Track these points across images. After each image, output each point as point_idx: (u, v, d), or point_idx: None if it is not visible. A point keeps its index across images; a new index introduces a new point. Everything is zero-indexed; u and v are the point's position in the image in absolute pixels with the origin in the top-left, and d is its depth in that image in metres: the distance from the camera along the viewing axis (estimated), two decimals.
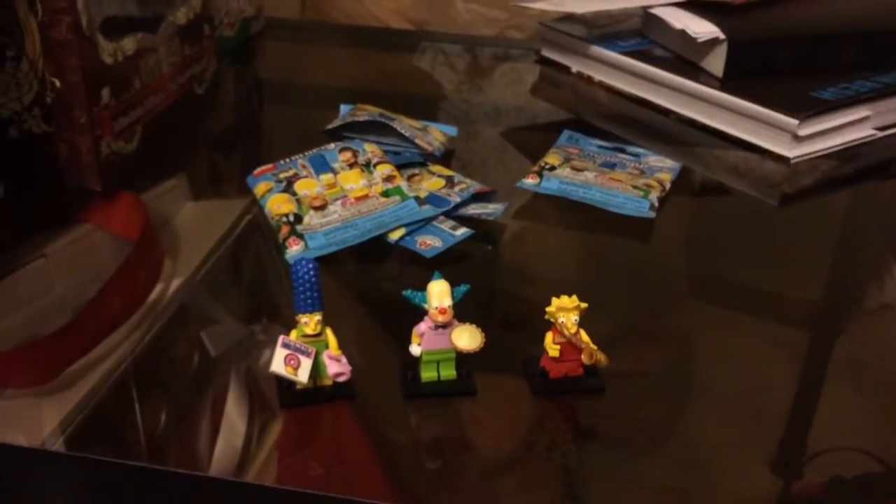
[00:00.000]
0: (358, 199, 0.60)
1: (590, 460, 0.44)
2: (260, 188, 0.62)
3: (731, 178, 0.70)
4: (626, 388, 0.47)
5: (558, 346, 0.45)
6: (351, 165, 0.63)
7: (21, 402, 0.45)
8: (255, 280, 0.58)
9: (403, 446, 0.44)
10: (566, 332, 0.44)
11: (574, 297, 0.45)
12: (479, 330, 0.45)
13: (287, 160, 0.64)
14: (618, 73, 0.82)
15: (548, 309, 0.45)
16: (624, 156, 0.69)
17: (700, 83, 0.75)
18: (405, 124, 0.68)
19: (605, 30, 0.87)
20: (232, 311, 0.54)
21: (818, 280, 0.59)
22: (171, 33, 0.68)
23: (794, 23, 0.79)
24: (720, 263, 0.60)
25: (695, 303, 0.57)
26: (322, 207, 0.59)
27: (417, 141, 0.67)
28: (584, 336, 0.45)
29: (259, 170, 0.64)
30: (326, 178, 0.62)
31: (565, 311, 0.44)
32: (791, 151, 0.70)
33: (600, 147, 0.70)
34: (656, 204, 0.62)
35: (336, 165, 0.63)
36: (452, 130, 0.71)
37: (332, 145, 0.65)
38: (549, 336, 0.45)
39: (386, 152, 0.65)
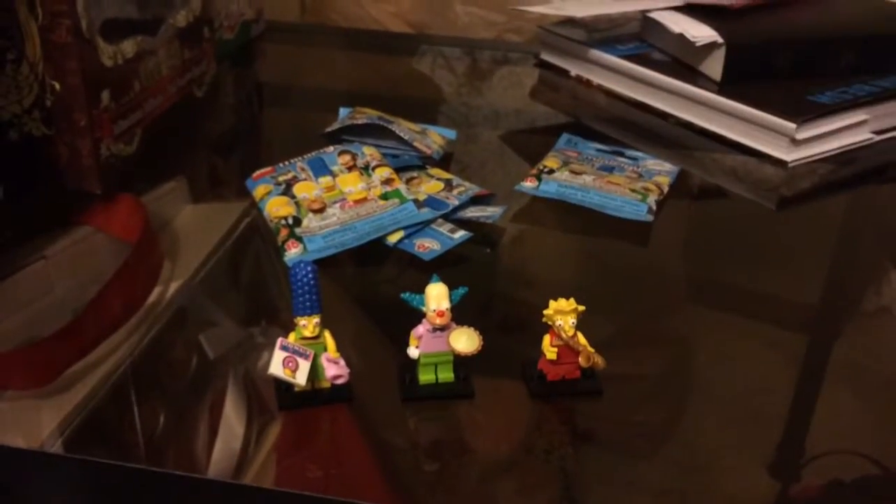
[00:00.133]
0: (356, 201, 0.60)
1: (587, 463, 0.44)
2: (259, 191, 0.62)
3: (728, 181, 0.71)
4: (623, 391, 0.47)
5: (556, 349, 0.45)
6: (350, 168, 0.63)
7: (20, 404, 0.45)
8: (254, 282, 0.58)
9: (401, 449, 0.44)
10: (563, 335, 0.44)
11: (571, 300, 0.45)
12: (477, 333, 0.45)
13: (286, 163, 0.64)
14: (616, 76, 0.82)
15: (545, 312, 0.45)
16: (622, 159, 0.69)
17: (698, 87, 0.76)
18: (404, 127, 0.69)
19: (603, 34, 0.87)
20: (231, 314, 0.54)
21: (816, 283, 0.59)
22: (170, 36, 0.68)
23: (792, 27, 0.79)
24: (718, 267, 0.61)
25: (692, 306, 0.57)
26: (321, 210, 0.59)
27: (416, 144, 0.67)
28: (582, 339, 0.45)
29: (258, 173, 0.64)
30: (325, 180, 0.62)
31: (563, 313, 0.44)
32: (789, 155, 0.70)
33: (599, 150, 0.71)
34: (654, 207, 0.62)
35: (335, 168, 0.63)
36: (451, 134, 0.72)
37: (331, 148, 0.65)
38: (546, 339, 0.45)
39: (385, 155, 0.65)
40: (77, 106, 0.57)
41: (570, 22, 0.89)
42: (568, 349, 0.45)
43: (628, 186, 0.64)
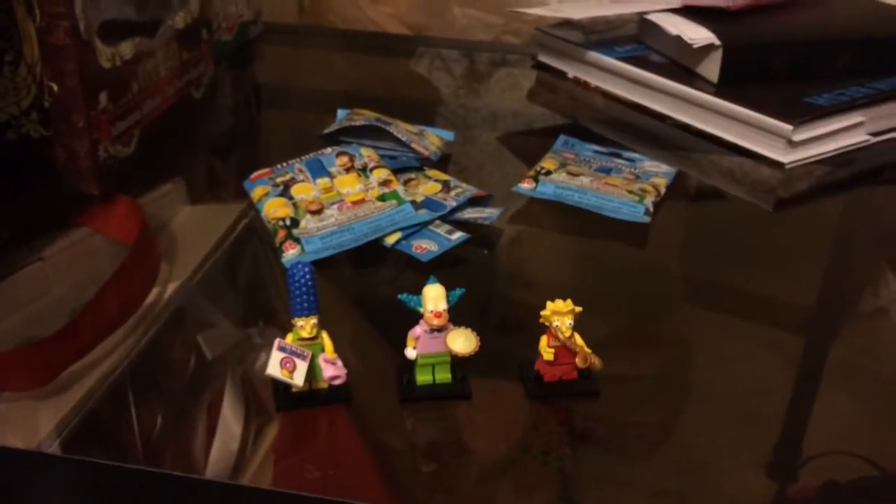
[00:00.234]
0: (354, 203, 0.60)
1: (585, 464, 0.44)
2: (256, 192, 0.62)
3: (725, 182, 0.71)
4: (620, 392, 0.47)
5: (553, 350, 0.45)
6: (347, 170, 0.63)
7: (18, 405, 0.45)
8: (252, 284, 0.58)
9: (399, 449, 0.44)
10: (560, 336, 0.44)
11: (568, 301, 0.45)
12: (475, 333, 0.45)
13: (284, 164, 0.64)
14: (614, 78, 0.82)
15: (542, 313, 0.45)
16: (619, 160, 0.69)
17: (695, 89, 0.76)
18: (402, 129, 0.69)
19: (601, 35, 0.87)
20: (228, 315, 0.54)
21: (813, 284, 0.59)
22: (168, 37, 0.68)
23: (788, 29, 0.79)
24: (715, 268, 0.61)
25: (689, 307, 0.57)
26: (318, 211, 0.59)
27: (414, 145, 0.67)
28: (579, 339, 0.45)
29: (256, 174, 0.64)
30: (323, 182, 0.62)
31: (560, 314, 0.45)
32: (786, 157, 0.70)
33: (596, 152, 0.71)
34: (651, 209, 0.62)
35: (333, 170, 0.63)
36: (449, 135, 0.72)
37: (329, 150, 0.65)
38: (543, 339, 0.45)
39: (382, 157, 0.65)
40: (75, 107, 0.57)
41: (567, 24, 0.89)
42: (565, 350, 0.45)
43: (625, 188, 0.64)
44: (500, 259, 0.60)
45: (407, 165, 0.66)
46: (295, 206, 0.60)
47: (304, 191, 0.61)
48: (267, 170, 0.64)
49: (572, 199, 0.63)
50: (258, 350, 0.49)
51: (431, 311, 0.44)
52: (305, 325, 0.44)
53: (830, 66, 0.77)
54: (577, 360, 0.45)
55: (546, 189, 0.64)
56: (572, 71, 0.87)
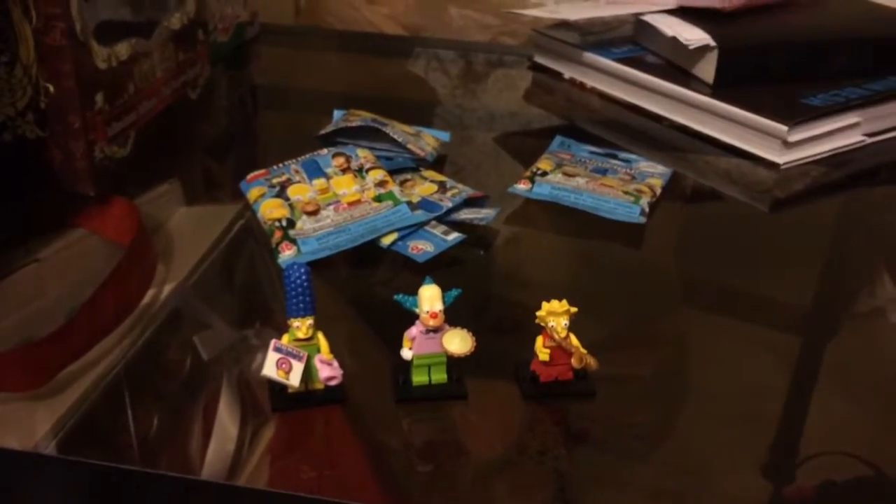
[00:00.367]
0: (350, 204, 0.60)
1: (580, 464, 0.44)
2: (253, 193, 0.62)
3: (721, 183, 0.71)
4: (616, 392, 0.47)
5: (548, 350, 0.45)
6: (344, 171, 0.63)
7: (13, 406, 0.45)
8: (248, 284, 0.58)
9: (395, 450, 0.44)
10: (556, 336, 0.45)
11: (564, 302, 0.45)
12: (470, 334, 0.45)
13: (280, 165, 0.64)
14: (610, 79, 0.83)
15: (538, 313, 0.45)
16: (615, 161, 0.69)
17: (691, 90, 0.76)
18: (398, 130, 0.69)
19: (597, 37, 0.87)
20: (224, 316, 0.54)
21: (809, 285, 0.59)
22: (165, 38, 0.68)
23: (784, 30, 0.79)
24: (710, 268, 0.61)
25: (685, 307, 0.57)
26: (315, 212, 0.59)
27: (410, 146, 0.67)
28: (574, 340, 0.45)
29: (252, 175, 0.64)
30: (319, 183, 0.62)
31: (555, 315, 0.45)
32: (781, 157, 0.70)
33: (592, 153, 0.71)
34: (647, 209, 0.62)
35: (329, 171, 0.63)
36: (445, 136, 0.72)
37: (325, 150, 0.65)
38: (539, 340, 0.45)
39: (379, 157, 0.65)
40: (71, 108, 0.57)
41: (563, 25, 0.89)
42: (560, 350, 0.45)
43: (621, 188, 0.64)
44: (496, 260, 0.60)
45: (403, 166, 0.66)
46: (291, 206, 0.60)
47: (301, 192, 0.61)
48: (263, 171, 0.64)
49: (568, 199, 0.63)
50: (254, 351, 0.49)
51: (427, 312, 0.44)
52: (301, 326, 0.44)
53: (826, 67, 0.77)
54: (572, 360, 0.45)
55: (542, 190, 0.64)
56: (568, 72, 0.87)
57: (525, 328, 0.46)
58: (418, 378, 0.46)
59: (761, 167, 0.71)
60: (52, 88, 0.57)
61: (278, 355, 0.44)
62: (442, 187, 0.63)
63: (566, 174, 0.66)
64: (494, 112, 0.83)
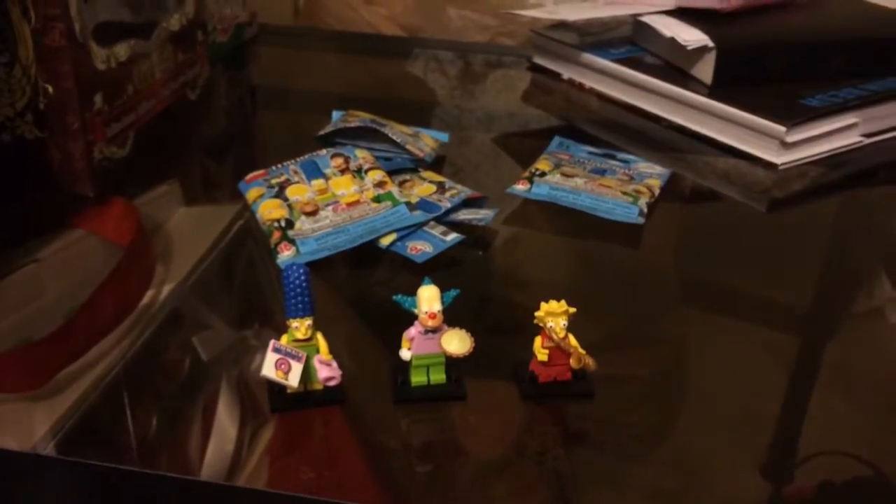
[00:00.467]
0: (349, 204, 0.60)
1: (579, 464, 0.44)
2: (251, 194, 0.62)
3: (719, 184, 0.71)
4: (614, 393, 0.47)
5: (547, 351, 0.45)
6: (342, 171, 0.63)
7: (12, 407, 0.45)
8: (247, 285, 0.58)
9: (393, 450, 0.44)
10: (555, 337, 0.45)
11: (562, 302, 0.45)
12: (469, 334, 0.45)
13: (279, 166, 0.64)
14: (608, 80, 0.83)
15: (536, 313, 0.45)
16: (614, 162, 0.69)
17: (689, 90, 0.76)
18: (397, 130, 0.69)
19: (596, 37, 0.88)
20: (223, 316, 0.54)
21: (806, 285, 0.59)
22: (164, 39, 0.68)
23: (782, 31, 0.80)
24: (709, 269, 0.61)
25: (684, 308, 0.58)
26: (313, 213, 0.59)
27: (409, 147, 0.67)
28: (573, 340, 0.45)
29: (251, 175, 0.64)
30: (318, 183, 0.62)
31: (554, 315, 0.45)
32: (779, 158, 0.71)
33: (590, 153, 0.71)
34: (645, 210, 0.62)
35: (328, 171, 0.63)
36: (444, 136, 0.72)
37: (324, 151, 0.66)
38: (537, 340, 0.46)
39: (377, 158, 0.66)
40: (70, 109, 0.57)
41: (562, 26, 0.89)
42: (559, 351, 0.45)
43: (620, 189, 0.64)
44: (494, 260, 0.60)
45: (402, 167, 0.66)
46: (290, 207, 0.60)
47: (299, 192, 0.61)
48: (262, 171, 0.64)
49: (567, 200, 0.63)
50: (253, 351, 0.49)
51: (426, 313, 0.45)
52: (300, 327, 0.44)
53: (824, 68, 0.77)
54: (571, 360, 0.45)
55: (540, 190, 0.64)
56: (567, 72, 0.87)
57: (524, 328, 0.46)
58: (417, 378, 0.46)
59: (759, 168, 0.71)
60: (51, 89, 0.57)
61: (277, 356, 0.44)
62: (441, 188, 0.63)
63: (565, 175, 0.66)
64: (493, 113, 0.83)
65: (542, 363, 0.46)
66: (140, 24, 0.65)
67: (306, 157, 0.65)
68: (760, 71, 0.77)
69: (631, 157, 0.71)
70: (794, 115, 0.70)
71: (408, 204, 0.60)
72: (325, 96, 0.88)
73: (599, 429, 0.46)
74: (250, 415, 0.46)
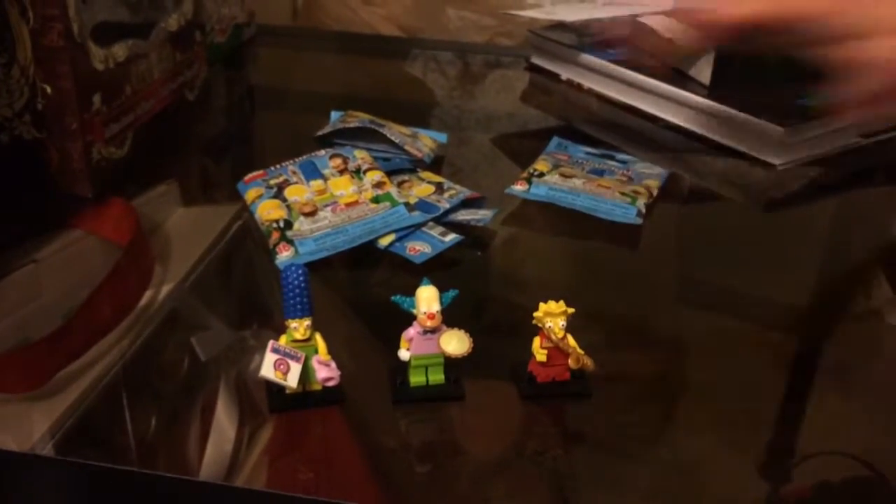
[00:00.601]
0: (348, 205, 0.60)
1: (578, 464, 0.44)
2: (250, 194, 0.62)
3: (718, 184, 0.71)
4: (613, 393, 0.47)
5: (546, 351, 0.45)
6: (341, 172, 0.63)
7: (11, 407, 0.45)
8: (245, 285, 0.58)
9: (392, 450, 0.44)
10: (553, 337, 0.45)
11: (561, 302, 0.45)
12: (468, 335, 0.45)
13: (277, 166, 0.64)
14: (607, 80, 0.83)
15: (535, 314, 0.45)
16: (612, 162, 0.69)
17: (688, 91, 0.76)
18: (395, 131, 0.69)
19: (594, 38, 0.88)
20: (222, 317, 0.54)
21: (805, 285, 0.60)
22: (162, 39, 0.68)
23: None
24: (707, 269, 0.61)
25: (682, 308, 0.58)
26: (312, 213, 0.59)
27: (407, 147, 0.67)
28: (571, 341, 0.45)
29: (249, 176, 0.64)
30: (317, 184, 0.62)
31: (552, 315, 0.45)
32: (777, 158, 0.71)
33: (589, 154, 0.71)
34: (644, 210, 0.62)
35: (326, 172, 0.63)
36: (442, 137, 0.72)
37: (323, 152, 0.66)
38: (536, 341, 0.46)
39: (376, 159, 0.66)
40: (68, 109, 0.57)
41: (560, 26, 0.89)
42: (558, 351, 0.45)
43: (618, 189, 0.64)
44: (493, 261, 0.60)
45: (400, 167, 0.66)
46: (288, 207, 0.60)
47: (298, 193, 0.61)
48: (260, 172, 0.64)
49: (565, 200, 0.63)
50: (252, 352, 0.49)
51: (425, 313, 0.45)
52: (299, 327, 0.44)
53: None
54: (569, 361, 0.45)
55: (539, 191, 0.64)
56: (565, 73, 0.87)
57: (522, 329, 0.46)
58: (416, 379, 0.46)
59: (758, 168, 0.71)
60: (49, 89, 0.57)
61: (276, 356, 0.44)
62: (439, 188, 0.63)
63: (563, 175, 0.66)
64: (491, 113, 0.83)
65: (541, 363, 0.46)
66: (138, 25, 0.65)
67: (305, 157, 0.65)
68: (758, 71, 0.77)
69: (629, 157, 0.71)
70: (792, 116, 0.70)
71: (406, 204, 0.60)
72: (323, 97, 0.87)
73: (598, 429, 0.46)
74: (249, 415, 0.46)
